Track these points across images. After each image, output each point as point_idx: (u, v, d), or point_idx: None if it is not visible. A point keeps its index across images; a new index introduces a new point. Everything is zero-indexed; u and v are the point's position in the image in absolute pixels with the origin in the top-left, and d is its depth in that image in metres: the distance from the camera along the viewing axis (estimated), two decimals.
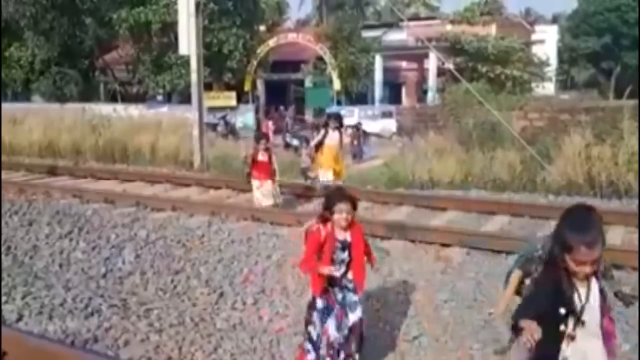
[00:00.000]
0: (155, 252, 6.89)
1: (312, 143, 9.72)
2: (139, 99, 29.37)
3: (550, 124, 14.32)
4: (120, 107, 25.38)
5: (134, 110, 24.26)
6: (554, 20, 51.51)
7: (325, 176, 9.17)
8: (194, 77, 13.32)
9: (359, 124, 18.21)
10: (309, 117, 30.40)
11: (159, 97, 30.99)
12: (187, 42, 12.91)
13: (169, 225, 7.69)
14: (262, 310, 5.31)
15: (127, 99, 30.15)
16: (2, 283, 5.49)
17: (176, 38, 25.91)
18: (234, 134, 24.84)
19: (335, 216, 3.73)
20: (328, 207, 3.78)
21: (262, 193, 8.40)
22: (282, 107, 28.88)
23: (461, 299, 5.28)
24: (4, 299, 5.13)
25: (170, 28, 25.12)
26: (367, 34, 32.40)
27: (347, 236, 3.83)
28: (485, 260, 6.08)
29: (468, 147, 10.99)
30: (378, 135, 22.62)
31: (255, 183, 8.45)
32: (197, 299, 5.69)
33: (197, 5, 13.01)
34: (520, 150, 10.77)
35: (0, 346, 3.74)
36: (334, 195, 3.87)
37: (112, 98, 31.81)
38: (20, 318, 4.69)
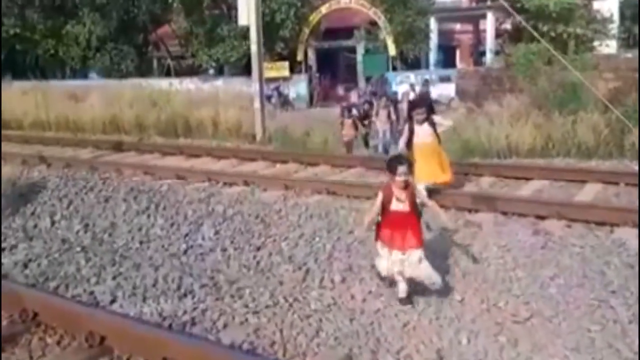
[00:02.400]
0: (234, 228, 6.77)
1: (401, 142, 7.31)
2: (192, 72, 29.47)
3: (628, 84, 13.41)
4: (175, 82, 25.57)
5: (190, 84, 24.42)
6: None
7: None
8: (254, 48, 13.05)
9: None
10: (361, 85, 29.86)
11: (211, 71, 31.02)
12: (247, 13, 12.62)
13: (245, 200, 7.54)
14: (353, 289, 5.10)
15: (181, 73, 30.31)
16: (90, 263, 5.46)
17: (229, 9, 25.89)
18: (287, 105, 24.68)
19: None
20: None
21: (393, 269, 4.63)
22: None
23: (569, 275, 4.91)
24: (94, 279, 5.08)
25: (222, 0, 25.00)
26: None
27: None
28: (589, 233, 5.64)
29: (547, 111, 10.34)
30: (435, 101, 21.95)
31: (381, 249, 4.72)
32: (282, 276, 5.53)
33: None
34: (603, 113, 10.09)
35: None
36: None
37: (166, 73, 32.06)
38: (114, 300, 4.62)
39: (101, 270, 5.25)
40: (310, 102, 26.63)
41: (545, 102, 10.68)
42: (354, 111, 13.50)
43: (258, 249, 6.24)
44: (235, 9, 25.22)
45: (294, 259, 5.89)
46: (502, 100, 12.27)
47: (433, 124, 7.07)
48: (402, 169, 4.57)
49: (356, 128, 12.27)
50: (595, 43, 33.99)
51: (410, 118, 7.13)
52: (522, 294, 4.69)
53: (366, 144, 12.92)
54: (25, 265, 5.40)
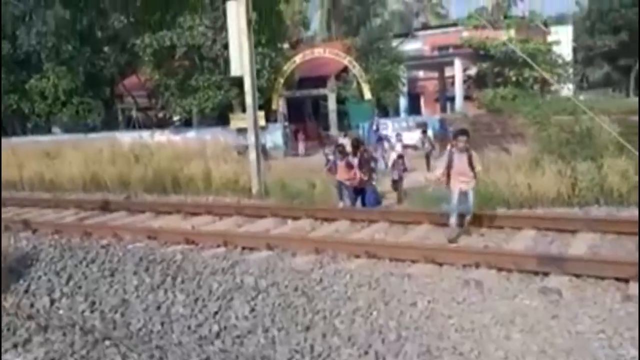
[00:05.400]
0: (273, 303, 5.97)
1: None
2: (158, 124, 28.69)
3: (626, 127, 13.39)
4: (145, 134, 24.66)
5: (161, 137, 23.61)
6: (560, 20, 50.79)
7: None
8: (248, 99, 12.44)
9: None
10: (334, 133, 29.62)
11: (177, 122, 30.33)
12: (240, 63, 12.06)
13: (276, 268, 6.75)
14: None
15: (147, 125, 29.47)
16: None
17: (201, 60, 25.38)
18: (265, 155, 24.03)
19: None
20: None
21: None
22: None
23: None
24: None
25: (194, 51, 24.47)
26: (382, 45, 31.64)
27: None
28: None
29: (560, 157, 10.04)
30: (415, 148, 21.82)
31: None
32: None
33: (249, 22, 12.15)
34: (616, 157, 9.85)
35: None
36: None
37: (133, 125, 31.10)
38: None
39: None
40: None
41: (558, 148, 10.37)
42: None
43: (307, 328, 5.46)
44: (208, 59, 25.00)
45: (354, 339, 5.14)
46: (505, 146, 11.94)
47: None
48: None
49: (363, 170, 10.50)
50: (557, 87, 35.19)
51: None
52: None
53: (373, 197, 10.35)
54: None
